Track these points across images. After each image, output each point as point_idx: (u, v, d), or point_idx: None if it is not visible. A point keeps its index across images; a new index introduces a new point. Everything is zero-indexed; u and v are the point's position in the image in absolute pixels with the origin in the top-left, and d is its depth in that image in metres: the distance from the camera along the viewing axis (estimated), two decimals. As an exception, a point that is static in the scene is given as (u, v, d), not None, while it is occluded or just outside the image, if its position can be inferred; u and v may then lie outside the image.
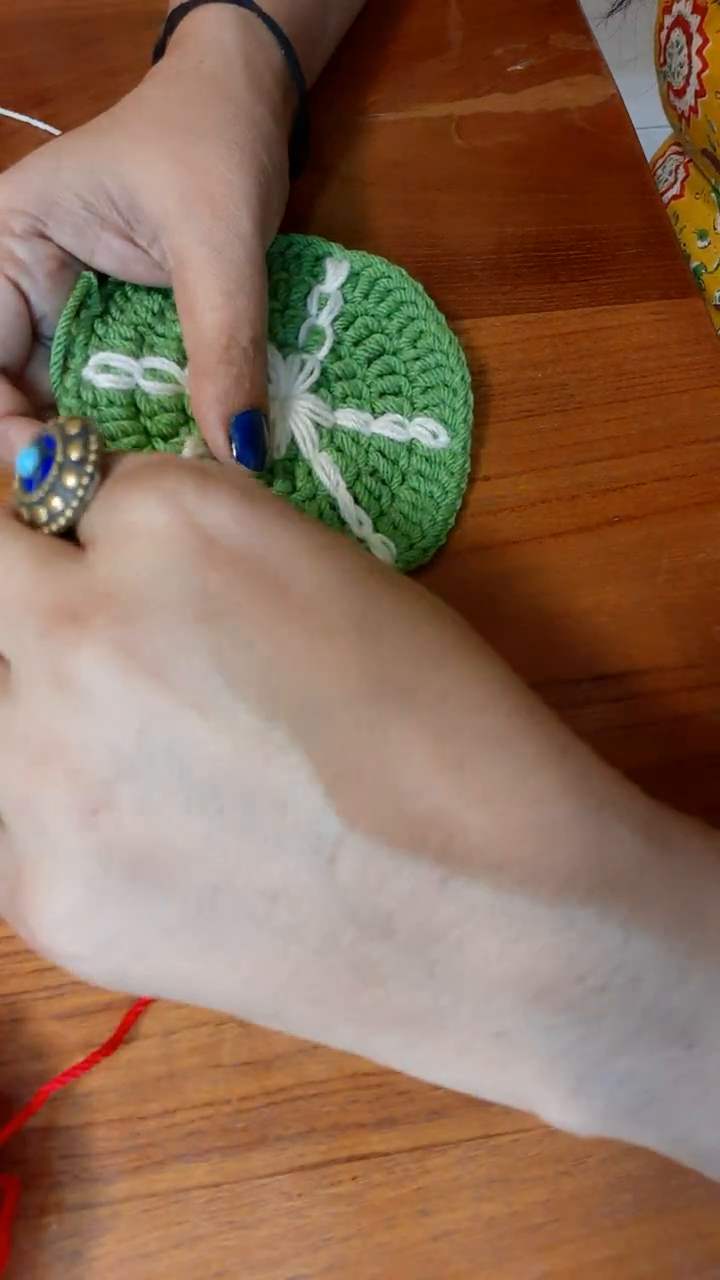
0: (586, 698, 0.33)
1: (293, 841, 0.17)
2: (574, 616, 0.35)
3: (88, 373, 0.35)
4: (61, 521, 0.20)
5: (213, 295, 0.31)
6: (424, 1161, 0.28)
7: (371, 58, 0.47)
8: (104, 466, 0.20)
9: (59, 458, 0.20)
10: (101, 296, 0.36)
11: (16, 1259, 0.26)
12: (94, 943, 0.18)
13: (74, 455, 0.20)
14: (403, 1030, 0.18)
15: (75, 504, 0.19)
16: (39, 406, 0.35)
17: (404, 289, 0.38)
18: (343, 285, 0.38)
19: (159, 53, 0.38)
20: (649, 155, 0.56)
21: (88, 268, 0.35)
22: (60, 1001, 0.29)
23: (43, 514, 0.20)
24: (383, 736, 0.17)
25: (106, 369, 0.35)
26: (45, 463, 0.20)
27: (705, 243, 0.55)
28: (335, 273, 0.38)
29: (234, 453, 0.32)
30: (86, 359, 0.35)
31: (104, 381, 0.35)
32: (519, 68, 0.47)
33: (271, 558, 0.18)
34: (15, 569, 0.19)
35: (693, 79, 0.48)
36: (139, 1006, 0.29)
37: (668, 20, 0.50)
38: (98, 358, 0.35)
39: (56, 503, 0.20)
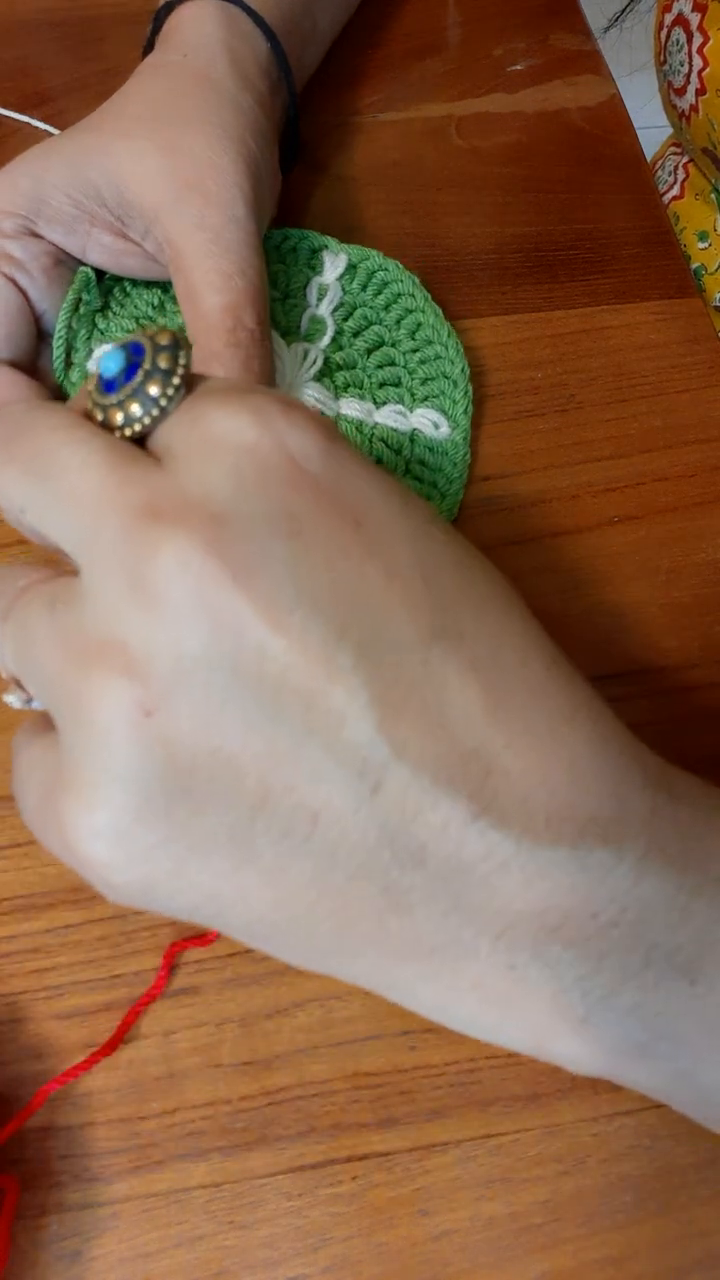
0: (586, 698, 0.33)
1: (342, 762, 0.17)
2: (574, 616, 0.35)
3: (91, 366, 0.35)
4: (137, 428, 0.19)
5: (212, 278, 0.31)
6: (424, 1161, 0.28)
7: (371, 57, 0.47)
8: (188, 382, 0.20)
9: (146, 365, 0.19)
10: (100, 291, 0.36)
11: (16, 1259, 0.26)
12: (131, 852, 0.17)
13: (163, 364, 0.19)
14: (422, 961, 0.19)
15: (155, 412, 0.19)
16: None
17: (401, 281, 0.38)
18: (341, 277, 0.39)
19: (148, 51, 0.38)
20: (648, 156, 0.56)
21: (82, 264, 0.35)
22: (60, 1001, 0.29)
23: (119, 417, 0.19)
24: (437, 674, 0.18)
25: None
26: (130, 368, 0.19)
27: (706, 244, 0.55)
28: (333, 265, 0.38)
29: None
30: (90, 353, 0.35)
31: None
32: (519, 68, 0.47)
33: (348, 492, 0.18)
34: (91, 466, 0.18)
35: (693, 77, 0.47)
36: (139, 1006, 0.29)
37: (668, 19, 0.50)
38: (99, 351, 0.35)
39: (136, 408, 0.19)
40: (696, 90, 0.48)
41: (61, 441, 0.19)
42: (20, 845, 0.31)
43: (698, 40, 0.47)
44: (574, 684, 0.20)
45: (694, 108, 0.48)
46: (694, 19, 0.47)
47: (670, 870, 0.19)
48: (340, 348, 0.38)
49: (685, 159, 0.59)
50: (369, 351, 0.38)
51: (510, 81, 0.47)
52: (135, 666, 0.17)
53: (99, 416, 0.20)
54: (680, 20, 0.48)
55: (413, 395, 0.37)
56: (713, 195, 0.56)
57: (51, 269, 0.34)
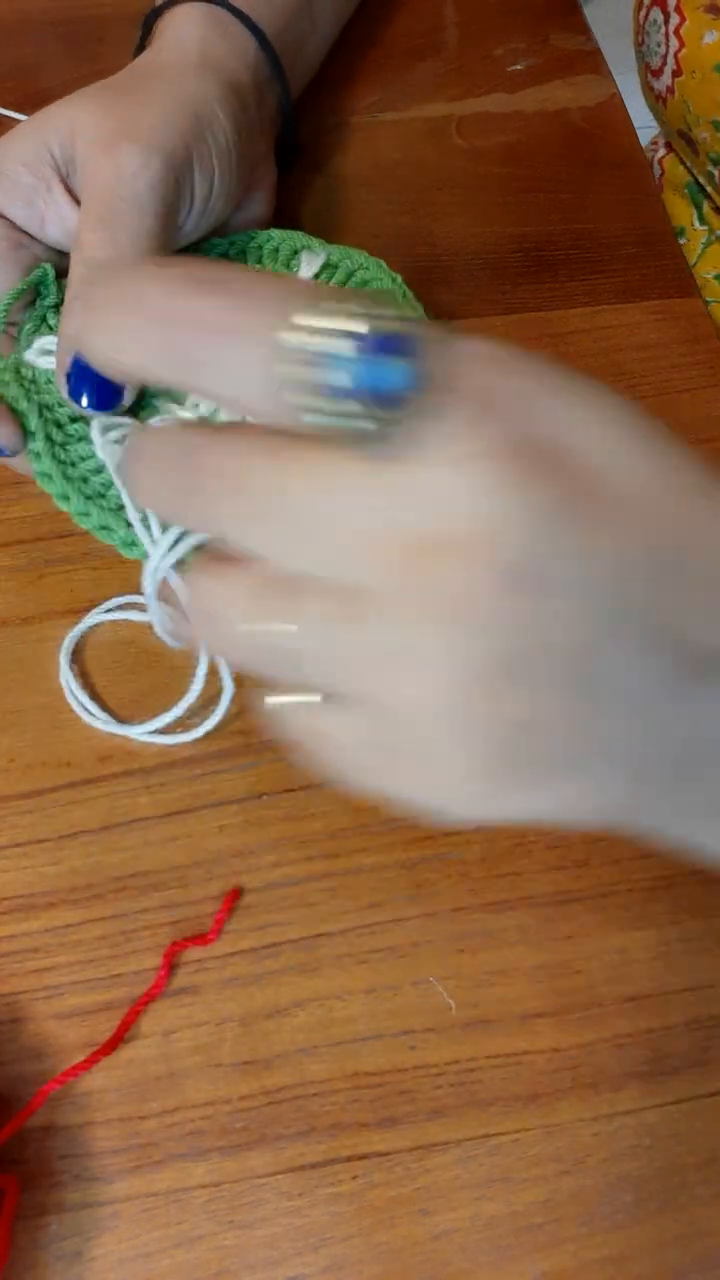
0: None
1: (655, 694, 0.19)
2: (574, 616, 0.35)
3: (29, 355, 0.35)
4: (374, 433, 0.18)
5: (83, 233, 0.32)
6: (424, 1161, 0.28)
7: (371, 57, 0.47)
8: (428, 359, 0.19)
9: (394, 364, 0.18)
10: (60, 289, 0.36)
11: (16, 1259, 0.26)
12: (494, 791, 0.19)
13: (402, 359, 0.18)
14: None
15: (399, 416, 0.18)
16: None
17: (381, 280, 0.38)
18: (316, 275, 0.38)
19: (138, 54, 0.39)
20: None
21: (45, 251, 0.35)
22: (60, 1001, 0.29)
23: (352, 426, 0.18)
24: None
25: (48, 353, 0.35)
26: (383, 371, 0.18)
27: (683, 240, 0.55)
28: (309, 264, 0.38)
29: (68, 392, 0.32)
30: (30, 345, 0.35)
31: (45, 363, 0.35)
32: (518, 67, 0.47)
33: (578, 452, 0.19)
34: (354, 516, 0.18)
35: (670, 59, 0.47)
36: (139, 1006, 0.29)
37: (646, -1, 0.49)
38: (40, 342, 0.35)
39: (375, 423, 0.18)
40: (673, 72, 0.47)
41: (315, 493, 0.18)
42: (20, 845, 0.31)
43: (674, 21, 0.46)
44: None
45: (670, 89, 0.48)
46: (671, 0, 0.47)
47: None
48: None
49: (661, 154, 0.59)
50: None
51: (510, 81, 0.47)
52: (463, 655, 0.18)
53: (340, 425, 0.18)
54: (658, 1, 0.48)
55: None
56: (686, 190, 0.56)
57: (8, 253, 0.34)
